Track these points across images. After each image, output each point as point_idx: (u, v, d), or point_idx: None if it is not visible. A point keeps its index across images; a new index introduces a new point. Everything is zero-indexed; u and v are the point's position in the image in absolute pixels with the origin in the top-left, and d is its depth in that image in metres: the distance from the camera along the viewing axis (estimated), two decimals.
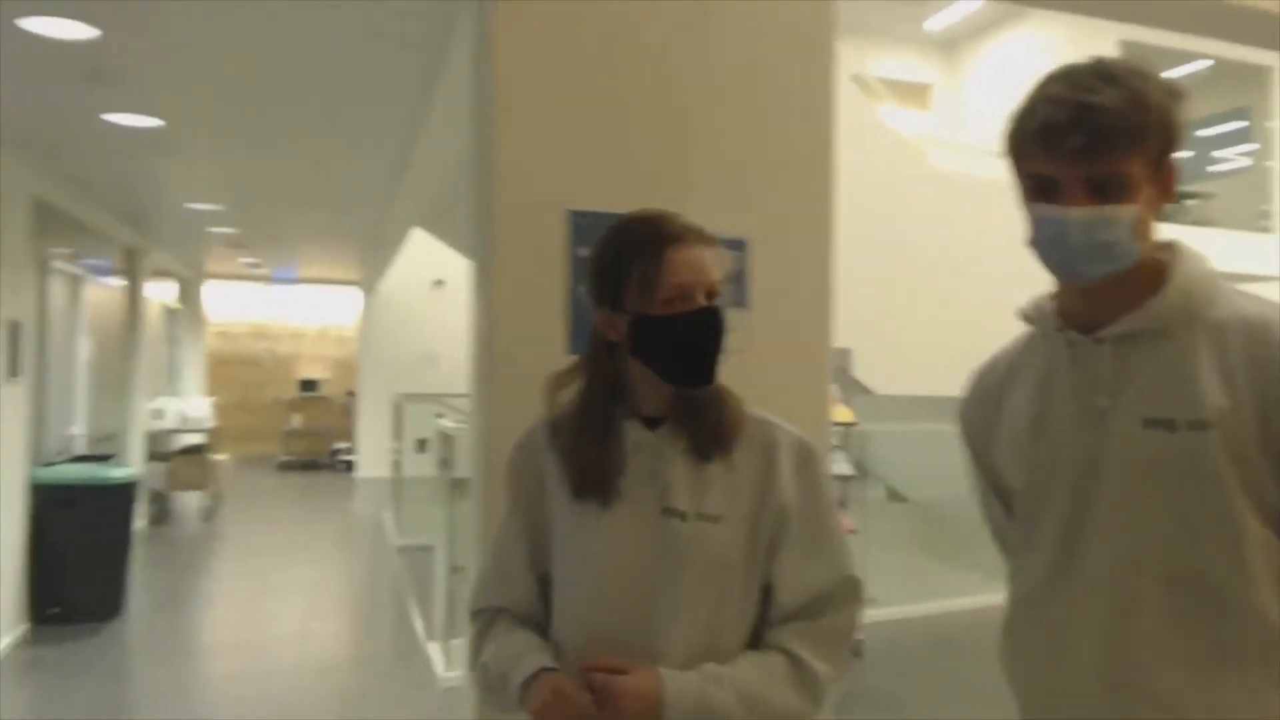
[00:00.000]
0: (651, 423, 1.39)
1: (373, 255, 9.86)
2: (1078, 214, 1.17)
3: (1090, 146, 1.15)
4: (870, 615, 5.57)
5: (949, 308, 8.02)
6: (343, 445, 13.25)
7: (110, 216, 7.17)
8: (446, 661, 4.90)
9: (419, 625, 5.71)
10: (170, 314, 10.65)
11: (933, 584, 6.37)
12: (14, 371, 5.02)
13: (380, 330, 12.38)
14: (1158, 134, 1.17)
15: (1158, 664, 1.16)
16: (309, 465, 13.31)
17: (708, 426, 1.37)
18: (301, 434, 13.69)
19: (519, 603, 1.45)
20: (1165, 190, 1.21)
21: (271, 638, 5.77)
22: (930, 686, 4.85)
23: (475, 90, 2.22)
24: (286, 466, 13.23)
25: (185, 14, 3.04)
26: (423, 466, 8.78)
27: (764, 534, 1.37)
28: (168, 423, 9.62)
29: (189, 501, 9.62)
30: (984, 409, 1.39)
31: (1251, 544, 1.15)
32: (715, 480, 1.36)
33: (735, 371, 1.43)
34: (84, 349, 6.72)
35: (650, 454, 1.37)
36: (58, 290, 6.02)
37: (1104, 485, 1.21)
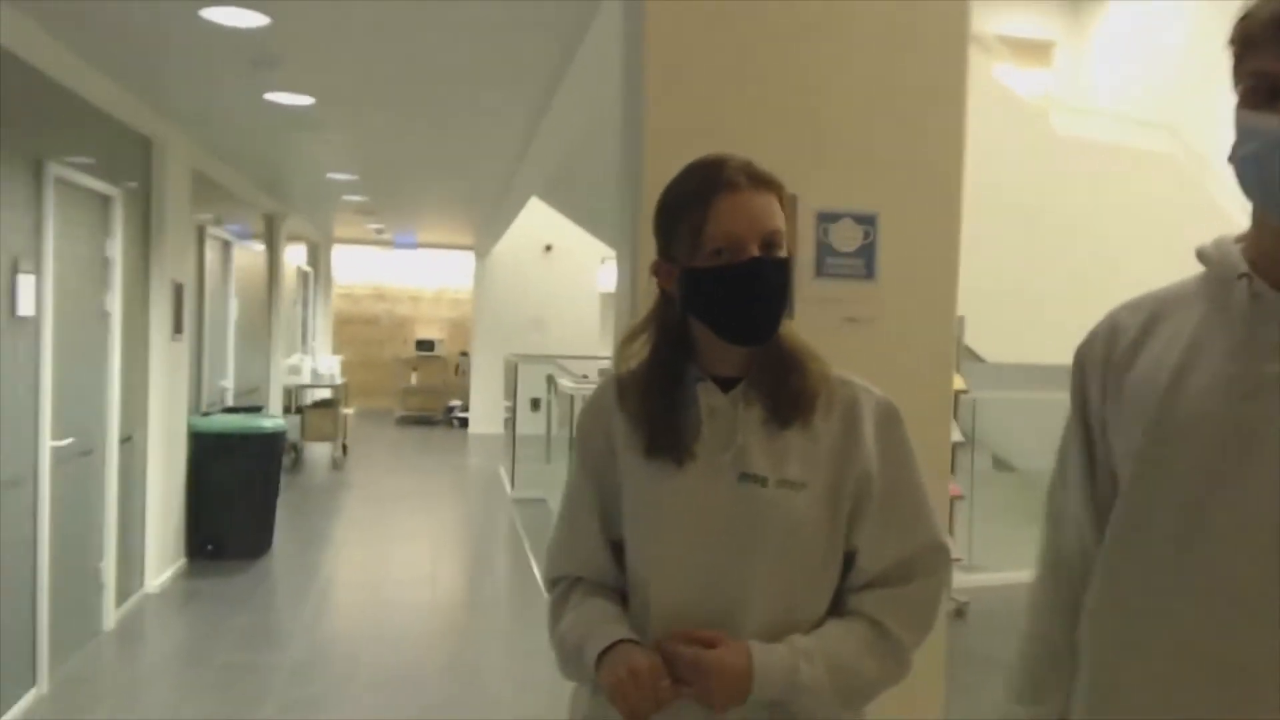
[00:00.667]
0: (727, 384, 1.30)
1: (488, 222, 10.18)
2: None
3: None
4: (975, 580, 5.63)
5: (1065, 276, 7.85)
6: (456, 402, 13.82)
7: (254, 185, 7.68)
8: None
9: (537, 573, 6.05)
10: (303, 276, 11.26)
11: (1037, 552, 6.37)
12: (178, 329, 5.50)
13: (492, 293, 12.77)
14: None
15: None
16: (424, 420, 13.95)
17: (787, 391, 1.28)
18: (417, 391, 14.35)
19: (595, 569, 1.38)
20: None
21: (401, 579, 6.22)
22: None
23: (624, 85, 2.40)
24: (404, 421, 13.90)
25: (345, 1, 3.31)
26: (535, 424, 9.18)
27: (846, 501, 1.29)
28: (302, 378, 10.28)
29: (319, 451, 10.29)
30: (1111, 350, 1.12)
31: None
32: (795, 446, 1.27)
33: (862, 342, 1.57)
34: (234, 309, 7.24)
35: (724, 418, 1.28)
36: (211, 254, 6.50)
37: (1255, 467, 0.97)
